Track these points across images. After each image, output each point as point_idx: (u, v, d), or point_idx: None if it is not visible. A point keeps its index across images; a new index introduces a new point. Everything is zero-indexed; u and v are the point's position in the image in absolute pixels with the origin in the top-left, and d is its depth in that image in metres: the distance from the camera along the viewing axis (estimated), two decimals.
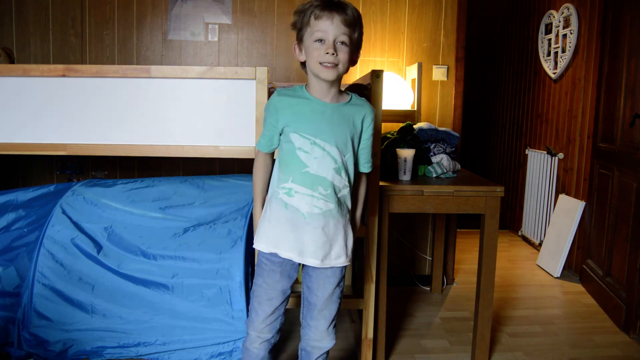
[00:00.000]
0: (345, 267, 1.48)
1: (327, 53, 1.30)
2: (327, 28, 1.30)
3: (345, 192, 1.42)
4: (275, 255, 1.41)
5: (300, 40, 1.37)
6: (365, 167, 1.51)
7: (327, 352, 1.56)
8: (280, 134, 1.41)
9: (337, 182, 1.39)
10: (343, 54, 1.32)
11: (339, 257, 1.42)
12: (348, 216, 1.45)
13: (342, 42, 1.32)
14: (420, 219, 3.02)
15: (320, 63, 1.31)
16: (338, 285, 1.48)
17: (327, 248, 1.40)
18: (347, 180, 1.42)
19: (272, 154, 1.49)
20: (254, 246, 1.44)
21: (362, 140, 1.45)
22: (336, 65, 1.32)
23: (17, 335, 1.94)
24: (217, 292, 1.94)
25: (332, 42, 1.30)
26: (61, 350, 1.92)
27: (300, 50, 1.38)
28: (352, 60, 1.38)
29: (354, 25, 1.34)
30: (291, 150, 1.37)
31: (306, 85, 1.41)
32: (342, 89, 1.50)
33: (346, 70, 1.37)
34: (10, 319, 1.96)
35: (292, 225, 1.37)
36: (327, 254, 1.40)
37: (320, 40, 1.31)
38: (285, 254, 1.39)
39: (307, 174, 1.36)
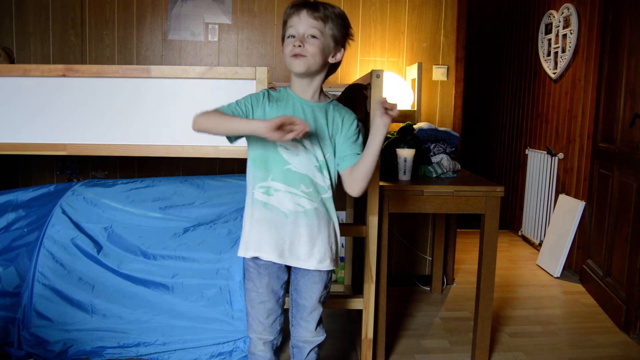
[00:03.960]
0: (332, 270, 1.48)
1: (294, 45, 1.33)
2: (295, 23, 1.34)
3: (328, 196, 1.41)
4: (258, 258, 1.40)
5: (282, 42, 1.41)
6: (353, 160, 1.42)
7: (319, 345, 1.57)
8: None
9: (319, 181, 1.39)
10: (311, 46, 1.33)
11: (323, 261, 1.40)
12: (333, 222, 1.43)
13: (312, 36, 1.34)
14: (420, 219, 3.02)
15: (291, 55, 1.34)
16: (325, 288, 1.49)
17: (309, 248, 1.38)
18: (329, 180, 1.41)
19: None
20: (238, 254, 1.42)
21: (342, 135, 1.42)
22: (303, 56, 1.33)
23: (17, 335, 1.94)
24: (217, 292, 1.94)
25: (302, 35, 1.34)
26: (61, 350, 1.92)
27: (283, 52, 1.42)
28: (332, 54, 1.39)
29: (325, 20, 1.36)
30: (272, 147, 1.36)
31: (289, 85, 1.43)
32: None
33: (321, 65, 1.37)
34: (10, 319, 1.96)
35: (273, 226, 1.36)
36: (309, 254, 1.39)
37: (292, 36, 1.35)
38: (266, 256, 1.37)
39: (289, 171, 1.36)
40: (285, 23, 1.38)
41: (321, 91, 1.44)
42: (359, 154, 1.41)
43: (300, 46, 1.32)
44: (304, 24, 1.33)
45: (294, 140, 1.33)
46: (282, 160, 1.36)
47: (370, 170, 1.35)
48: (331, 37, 1.37)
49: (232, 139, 1.39)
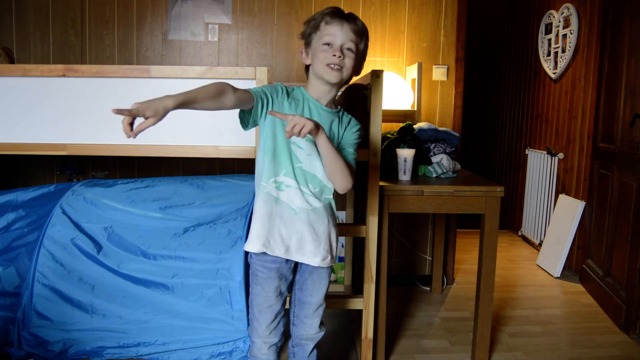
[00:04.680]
0: (332, 267, 1.52)
1: (335, 55, 1.35)
2: (337, 33, 1.36)
3: (331, 196, 1.45)
4: (265, 259, 1.41)
5: (308, 44, 1.42)
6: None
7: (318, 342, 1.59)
8: (264, 114, 1.33)
9: (326, 182, 1.41)
10: (349, 60, 1.37)
11: (326, 258, 1.43)
12: (334, 220, 1.46)
13: (349, 49, 1.37)
14: (420, 219, 3.02)
15: (327, 65, 1.35)
16: (329, 284, 1.53)
17: (316, 245, 1.41)
18: None
19: (241, 97, 1.26)
20: (245, 248, 1.42)
21: (344, 137, 1.44)
22: (341, 69, 1.36)
23: (17, 335, 1.94)
24: (217, 292, 1.94)
25: (340, 46, 1.36)
26: (61, 350, 1.92)
27: (307, 54, 1.42)
28: (356, 70, 1.43)
29: (362, 36, 1.41)
30: (286, 143, 1.37)
31: (304, 86, 1.44)
32: (343, 89, 1.51)
33: (349, 78, 1.42)
34: (10, 319, 1.96)
35: (282, 221, 1.38)
36: (315, 251, 1.41)
37: (329, 44, 1.36)
38: (273, 251, 1.38)
39: (300, 169, 1.38)
40: (317, 27, 1.38)
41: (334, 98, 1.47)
42: (352, 159, 1.44)
43: (340, 57, 1.35)
44: (344, 35, 1.36)
45: (309, 140, 1.35)
46: (295, 158, 1.38)
47: (330, 169, 1.34)
48: (361, 52, 1.42)
49: (246, 125, 1.35)
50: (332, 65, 1.35)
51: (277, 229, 1.38)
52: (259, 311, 1.45)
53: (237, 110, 1.34)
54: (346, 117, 1.47)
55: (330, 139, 1.33)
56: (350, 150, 1.44)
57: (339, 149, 1.41)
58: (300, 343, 1.55)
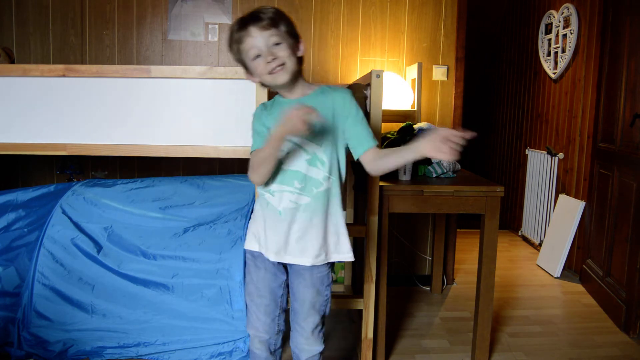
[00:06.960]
0: (330, 270, 1.46)
1: (268, 62, 1.31)
2: (254, 41, 1.31)
3: (326, 187, 1.37)
4: (254, 252, 1.48)
5: (245, 67, 1.39)
6: (367, 144, 1.38)
7: (318, 356, 1.54)
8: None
9: (313, 174, 1.36)
10: (282, 51, 1.32)
11: (319, 256, 1.39)
12: (333, 214, 1.40)
13: (275, 44, 1.32)
14: (420, 219, 3.02)
15: (269, 73, 1.32)
16: (318, 294, 1.45)
17: (302, 244, 1.38)
18: (327, 172, 1.37)
19: (260, 160, 1.37)
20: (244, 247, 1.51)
21: (348, 119, 1.39)
22: (282, 64, 1.32)
23: (17, 335, 1.94)
24: (217, 292, 1.94)
25: (266, 49, 1.31)
26: (61, 350, 1.92)
27: (251, 74, 1.39)
28: (295, 51, 1.36)
29: (276, 23, 1.32)
30: None
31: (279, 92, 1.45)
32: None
33: (297, 64, 1.36)
34: (10, 319, 1.96)
35: (271, 224, 1.41)
36: (302, 250, 1.38)
37: (258, 56, 1.32)
38: (265, 253, 1.44)
39: (281, 170, 1.38)
40: (238, 50, 1.35)
41: (305, 84, 1.42)
42: (369, 134, 1.38)
43: (274, 59, 1.30)
44: (261, 37, 1.30)
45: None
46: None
47: (394, 167, 1.38)
48: (287, 34, 1.34)
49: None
50: (274, 70, 1.32)
51: (262, 230, 1.43)
52: (251, 300, 1.49)
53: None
54: (330, 97, 1.39)
55: (328, 120, 1.35)
56: (358, 129, 1.38)
57: (351, 137, 1.38)
58: (294, 351, 1.54)
